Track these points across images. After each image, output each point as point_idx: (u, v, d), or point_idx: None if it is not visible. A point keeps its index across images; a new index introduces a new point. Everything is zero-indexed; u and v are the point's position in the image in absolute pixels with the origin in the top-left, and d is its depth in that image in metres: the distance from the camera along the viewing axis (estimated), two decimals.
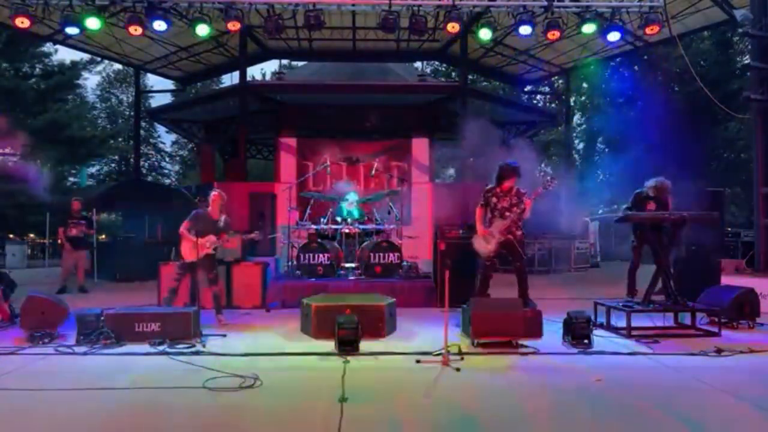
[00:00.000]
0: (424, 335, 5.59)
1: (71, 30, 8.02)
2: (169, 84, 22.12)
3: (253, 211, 9.10)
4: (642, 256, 6.97)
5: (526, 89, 19.80)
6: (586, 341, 5.01)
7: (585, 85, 25.99)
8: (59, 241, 9.54)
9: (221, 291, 6.47)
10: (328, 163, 10.52)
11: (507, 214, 5.78)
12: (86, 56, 20.86)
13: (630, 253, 7.04)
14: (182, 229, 6.09)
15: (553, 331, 5.42)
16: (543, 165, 30.08)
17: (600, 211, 24.73)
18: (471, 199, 9.25)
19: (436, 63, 25.81)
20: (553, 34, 8.23)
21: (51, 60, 22.66)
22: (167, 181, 32.06)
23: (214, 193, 6.28)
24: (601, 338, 5.28)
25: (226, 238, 6.14)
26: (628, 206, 6.80)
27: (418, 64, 21.04)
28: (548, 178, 5.66)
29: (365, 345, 4.93)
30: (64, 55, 22.68)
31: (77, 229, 8.88)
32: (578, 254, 12.80)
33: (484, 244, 5.86)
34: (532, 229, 12.37)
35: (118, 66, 27.01)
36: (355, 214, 9.13)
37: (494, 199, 5.87)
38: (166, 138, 32.92)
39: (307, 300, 5.82)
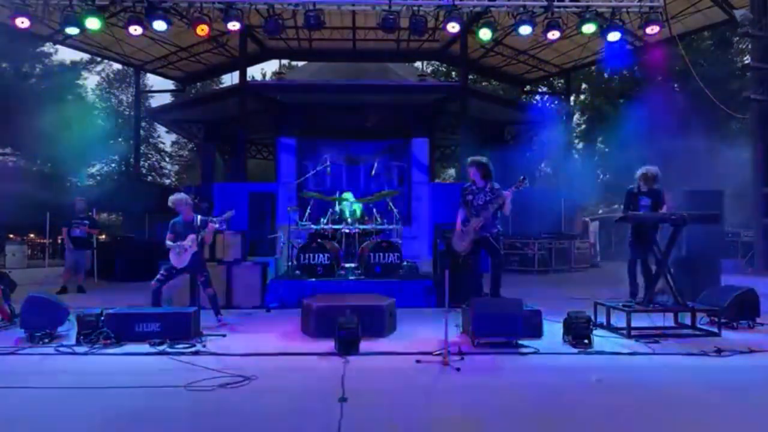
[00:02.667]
0: (424, 335, 5.59)
1: (71, 30, 8.01)
2: (169, 84, 22.12)
3: (253, 211, 9.09)
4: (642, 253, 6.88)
5: (526, 89, 19.81)
6: (586, 341, 5.01)
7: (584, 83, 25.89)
8: (61, 240, 9.57)
9: (216, 292, 6.40)
10: (328, 163, 10.53)
11: (483, 211, 5.71)
12: (86, 56, 20.87)
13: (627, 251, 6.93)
14: (168, 242, 6.16)
15: (553, 331, 5.42)
16: (543, 165, 30.15)
17: (600, 211, 24.74)
18: None
19: (436, 63, 25.80)
20: (553, 34, 8.23)
21: (51, 60, 22.67)
22: (167, 181, 32.04)
23: (179, 200, 6.20)
24: (601, 338, 5.27)
25: (205, 232, 6.15)
26: (625, 206, 6.74)
27: (418, 64, 21.04)
28: (521, 178, 5.61)
29: (365, 345, 4.93)
30: (64, 55, 22.71)
31: (80, 229, 8.91)
32: (578, 254, 12.79)
33: (458, 242, 5.86)
34: (533, 229, 12.40)
35: (118, 66, 27.02)
36: (357, 212, 9.15)
37: (470, 197, 5.85)
38: (166, 138, 32.94)
39: (307, 300, 5.83)
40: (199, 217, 6.28)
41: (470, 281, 6.10)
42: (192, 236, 6.10)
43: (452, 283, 4.62)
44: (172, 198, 6.24)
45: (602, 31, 8.23)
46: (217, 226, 6.26)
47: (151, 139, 31.85)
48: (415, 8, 8.19)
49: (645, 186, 6.49)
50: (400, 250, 8.36)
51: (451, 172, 29.08)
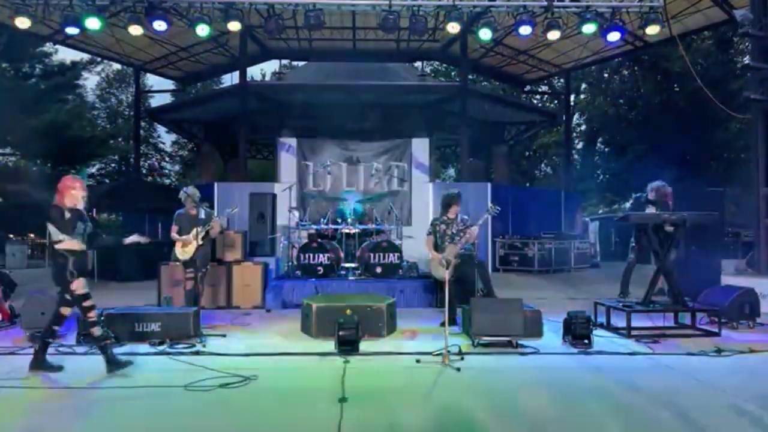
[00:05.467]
0: (424, 335, 5.60)
1: (71, 30, 8.00)
2: (169, 84, 22.10)
3: (253, 211, 9.09)
4: (639, 257, 6.99)
5: (526, 89, 19.79)
6: (586, 341, 5.02)
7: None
8: None
9: (198, 293, 6.26)
10: (328, 163, 10.53)
11: (457, 238, 6.12)
12: (86, 56, 20.86)
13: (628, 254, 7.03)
14: (173, 233, 6.24)
15: (553, 331, 5.43)
16: (543, 164, 30.15)
17: (600, 211, 24.73)
18: (471, 199, 9.29)
19: (436, 63, 25.79)
20: (553, 34, 8.21)
21: (51, 60, 22.65)
22: (167, 182, 32.01)
23: (183, 194, 6.30)
24: (601, 338, 5.28)
25: (210, 226, 6.17)
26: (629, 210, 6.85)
27: (418, 64, 21.03)
28: (490, 204, 6.16)
29: (365, 345, 4.93)
30: (64, 55, 22.68)
31: None
32: (578, 254, 12.76)
33: (441, 270, 6.02)
34: (533, 229, 12.40)
35: (117, 66, 26.99)
36: (359, 210, 9.15)
37: (443, 227, 6.26)
38: (166, 138, 32.90)
39: (308, 300, 5.83)
40: (203, 210, 6.31)
41: (465, 286, 6.26)
42: (198, 229, 6.14)
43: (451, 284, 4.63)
44: (183, 191, 6.31)
45: (602, 31, 8.22)
46: (218, 219, 6.32)
47: (151, 139, 31.84)
48: (415, 8, 8.18)
49: (654, 197, 6.53)
50: (400, 250, 8.37)
51: (451, 172, 29.07)
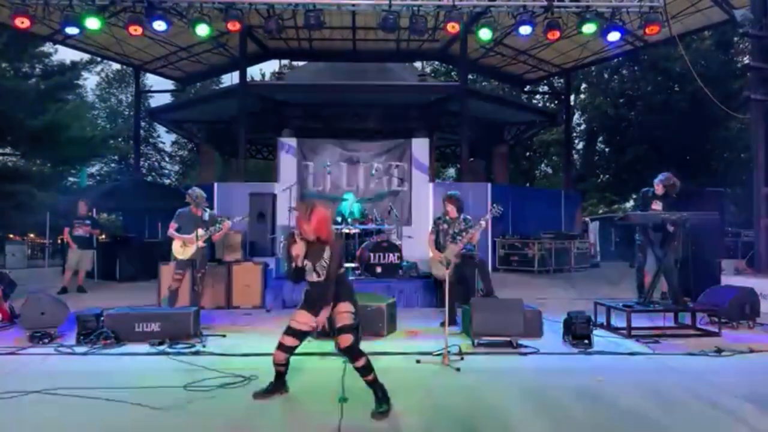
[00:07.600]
0: (424, 335, 5.60)
1: (71, 30, 8.00)
2: (169, 84, 22.10)
3: (253, 211, 9.10)
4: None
5: (526, 89, 19.79)
6: (586, 341, 5.02)
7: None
8: (63, 240, 9.61)
9: (200, 294, 6.37)
10: (329, 163, 10.53)
11: (459, 238, 6.15)
12: (86, 56, 20.85)
13: (637, 253, 6.92)
14: (170, 230, 6.24)
15: (553, 331, 5.43)
16: (543, 164, 30.14)
17: (600, 211, 24.73)
18: (471, 199, 9.27)
19: (436, 63, 25.79)
20: (553, 34, 8.21)
21: (51, 60, 22.61)
22: (167, 181, 32.03)
23: (189, 193, 6.32)
24: (601, 338, 5.28)
25: (215, 230, 6.18)
26: (636, 206, 6.76)
27: (418, 64, 21.04)
28: (493, 205, 6.20)
29: (365, 345, 4.91)
30: (64, 55, 22.64)
31: (83, 229, 8.98)
32: (578, 254, 12.76)
33: (441, 268, 6.06)
34: (533, 229, 12.40)
35: (117, 66, 26.99)
36: (356, 212, 9.14)
37: (444, 226, 6.31)
38: (166, 138, 32.91)
39: None
40: (208, 212, 6.31)
41: (464, 285, 6.26)
42: (200, 231, 6.12)
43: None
44: (190, 191, 6.29)
45: (602, 31, 8.22)
46: (230, 224, 6.33)
47: (151, 139, 31.84)
48: (415, 8, 8.18)
49: (660, 190, 6.43)
50: (400, 250, 8.37)
51: (451, 172, 29.08)
